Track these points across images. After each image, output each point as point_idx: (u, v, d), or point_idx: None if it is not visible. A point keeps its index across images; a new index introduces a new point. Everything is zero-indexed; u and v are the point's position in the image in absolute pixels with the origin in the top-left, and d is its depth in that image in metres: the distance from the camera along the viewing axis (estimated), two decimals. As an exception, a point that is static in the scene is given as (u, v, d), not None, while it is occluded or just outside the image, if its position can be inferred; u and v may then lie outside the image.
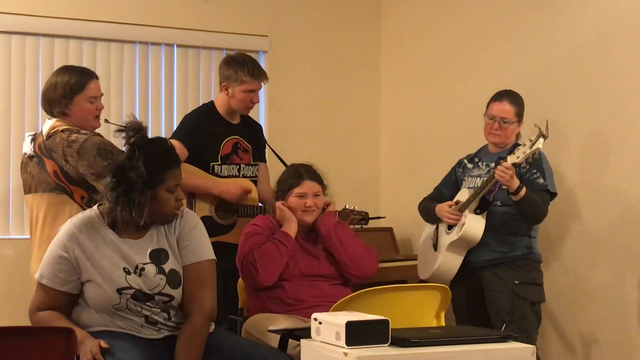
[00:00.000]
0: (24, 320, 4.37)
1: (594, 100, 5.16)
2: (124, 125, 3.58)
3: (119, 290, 3.53)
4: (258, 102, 5.11)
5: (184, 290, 3.63)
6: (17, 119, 5.61)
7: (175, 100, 6.07)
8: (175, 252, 3.65)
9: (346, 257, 4.41)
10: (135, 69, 5.96)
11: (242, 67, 4.96)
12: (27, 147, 4.38)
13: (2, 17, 5.58)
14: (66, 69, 4.44)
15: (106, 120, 4.64)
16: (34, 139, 4.37)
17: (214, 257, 3.74)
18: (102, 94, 4.49)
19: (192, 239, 3.68)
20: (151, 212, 3.57)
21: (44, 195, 4.29)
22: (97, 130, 4.42)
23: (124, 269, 3.56)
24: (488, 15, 5.89)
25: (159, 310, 3.60)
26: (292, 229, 4.42)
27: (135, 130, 3.56)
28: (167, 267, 3.61)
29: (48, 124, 4.32)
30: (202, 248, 3.70)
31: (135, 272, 3.56)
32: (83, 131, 4.27)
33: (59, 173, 4.24)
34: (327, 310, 3.78)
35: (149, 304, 3.57)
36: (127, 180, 3.52)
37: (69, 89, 4.30)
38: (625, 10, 5.02)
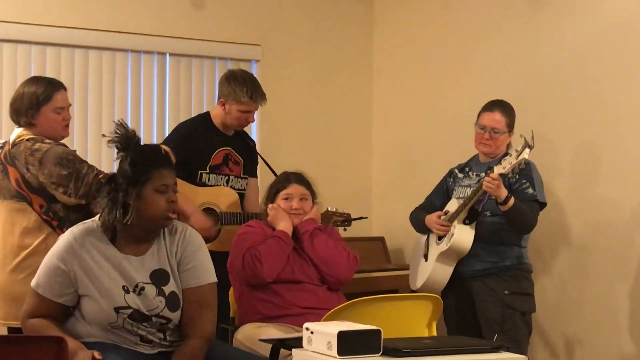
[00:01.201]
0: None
1: (585, 110, 5.18)
2: (116, 135, 3.54)
3: (117, 309, 3.48)
4: (253, 121, 5.12)
5: (183, 313, 3.57)
6: (9, 127, 5.58)
7: (167, 109, 6.07)
8: (175, 274, 3.59)
9: (318, 260, 4.41)
10: (128, 78, 5.96)
11: (241, 87, 4.94)
12: None
13: (-7, 25, 5.59)
14: (34, 80, 4.46)
15: (103, 135, 4.64)
16: (1, 147, 4.41)
17: (216, 280, 3.68)
18: (70, 105, 4.49)
19: (196, 261, 3.62)
20: (140, 214, 3.50)
21: (5, 203, 4.31)
22: (65, 140, 4.44)
23: (123, 287, 3.50)
24: (479, 24, 5.90)
25: (155, 330, 3.56)
26: (288, 227, 4.43)
27: (128, 140, 3.54)
28: (167, 289, 3.55)
29: (15, 132, 4.36)
30: (205, 271, 3.64)
31: (134, 291, 3.51)
32: (47, 141, 4.29)
33: (20, 181, 4.26)
34: (319, 318, 3.79)
35: (145, 324, 3.52)
36: (116, 184, 3.51)
37: (36, 100, 4.31)
38: (615, 19, 5.05)
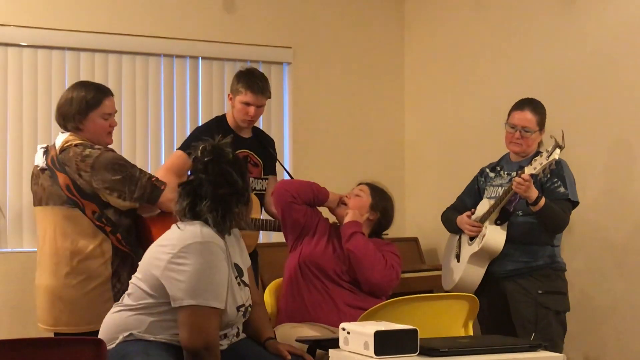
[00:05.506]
0: (33, 332, 4.40)
1: (619, 107, 5.15)
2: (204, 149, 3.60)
3: (238, 307, 3.56)
4: (255, 117, 4.97)
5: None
6: (45, 132, 5.65)
7: (200, 113, 6.11)
8: (246, 263, 3.76)
9: (353, 259, 4.42)
10: (161, 82, 6.01)
11: (243, 78, 4.93)
12: (39, 160, 4.40)
13: (29, 32, 5.65)
14: (82, 85, 4.45)
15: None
16: (46, 152, 4.39)
17: None
18: (117, 111, 4.51)
19: (243, 246, 3.79)
20: (247, 220, 3.69)
21: (55, 209, 4.29)
22: (110, 147, 4.45)
23: (237, 283, 3.62)
24: (510, 22, 5.90)
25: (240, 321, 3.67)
26: (331, 195, 4.65)
27: (214, 150, 3.59)
28: (245, 279, 3.67)
29: (61, 137, 4.34)
30: None
31: (240, 286, 3.62)
32: (97, 146, 4.30)
33: (71, 187, 4.26)
34: (356, 319, 3.80)
35: (245, 316, 3.65)
36: (225, 197, 3.54)
37: (85, 105, 4.32)
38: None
